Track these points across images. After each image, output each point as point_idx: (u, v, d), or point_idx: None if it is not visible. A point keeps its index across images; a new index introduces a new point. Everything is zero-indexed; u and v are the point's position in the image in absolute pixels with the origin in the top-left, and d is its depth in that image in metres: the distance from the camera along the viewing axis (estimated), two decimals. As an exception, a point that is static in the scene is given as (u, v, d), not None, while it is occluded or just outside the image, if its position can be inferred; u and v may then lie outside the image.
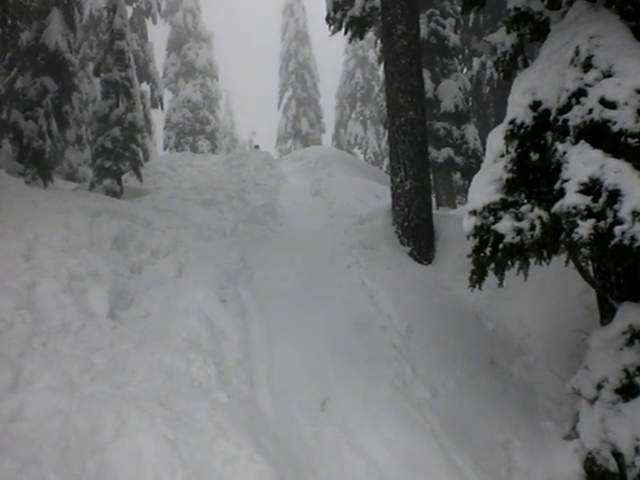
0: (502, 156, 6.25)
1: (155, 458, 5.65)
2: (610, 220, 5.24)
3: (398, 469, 6.18)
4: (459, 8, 18.36)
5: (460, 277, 9.29)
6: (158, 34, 37.45)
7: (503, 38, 7.35)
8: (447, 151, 19.86)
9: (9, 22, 18.63)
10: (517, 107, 6.23)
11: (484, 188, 6.23)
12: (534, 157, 6.07)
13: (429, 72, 19.46)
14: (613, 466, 5.81)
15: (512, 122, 6.21)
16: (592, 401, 6.14)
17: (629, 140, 5.37)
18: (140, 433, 5.87)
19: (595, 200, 5.34)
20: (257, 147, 29.21)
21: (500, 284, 6.27)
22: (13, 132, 19.80)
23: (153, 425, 5.99)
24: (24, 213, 9.80)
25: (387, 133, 13.85)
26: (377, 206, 14.13)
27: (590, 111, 5.63)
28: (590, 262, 6.74)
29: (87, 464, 5.50)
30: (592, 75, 5.79)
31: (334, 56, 48.73)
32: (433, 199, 16.16)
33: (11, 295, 7.69)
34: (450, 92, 20.00)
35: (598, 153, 5.46)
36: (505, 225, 5.91)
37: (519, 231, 5.85)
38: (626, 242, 5.12)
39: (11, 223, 9.35)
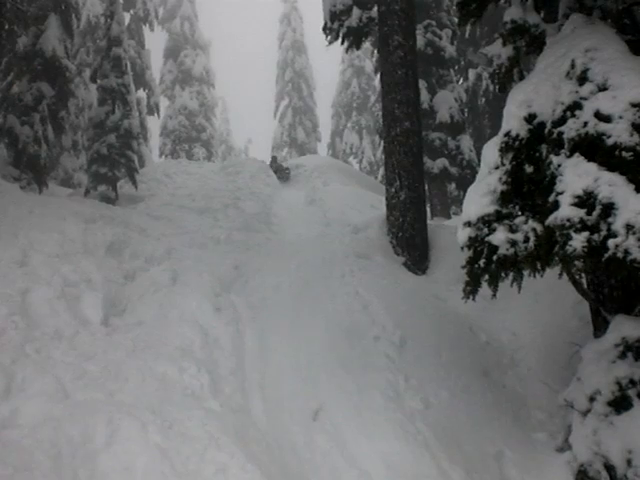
0: (497, 168, 6.27)
1: (147, 466, 5.62)
2: (604, 233, 5.26)
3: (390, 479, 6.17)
4: (456, 19, 18.42)
5: (454, 288, 9.31)
6: (155, 41, 37.58)
7: (499, 50, 7.38)
8: (442, 162, 19.92)
9: (6, 27, 18.62)
10: (512, 119, 6.26)
11: (479, 199, 6.25)
12: (529, 169, 6.09)
13: (425, 83, 19.52)
14: (605, 479, 5.82)
15: (507, 134, 6.24)
16: (584, 413, 6.14)
17: (623, 153, 5.40)
18: (132, 441, 5.84)
19: (589, 213, 5.36)
20: (275, 158, 27.58)
21: (494, 295, 6.27)
22: (9, 137, 19.74)
23: (145, 433, 5.97)
24: (19, 219, 9.79)
25: (382, 143, 13.89)
26: (372, 216, 14.15)
27: (585, 124, 5.65)
28: (584, 274, 6.75)
29: (79, 472, 5.48)
30: (587, 88, 5.81)
31: (331, 65, 48.86)
32: (428, 209, 16.19)
33: (4, 301, 7.66)
34: (446, 103, 20.06)
35: (592, 166, 5.49)
36: (499, 237, 5.93)
37: (513, 243, 5.87)
38: (619, 255, 5.14)
39: (5, 229, 9.34)
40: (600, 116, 5.61)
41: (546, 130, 6.02)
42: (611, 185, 5.32)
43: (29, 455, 5.50)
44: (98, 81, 21.00)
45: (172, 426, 6.22)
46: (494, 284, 6.21)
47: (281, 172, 25.24)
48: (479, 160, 7.58)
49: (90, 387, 6.73)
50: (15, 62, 20.72)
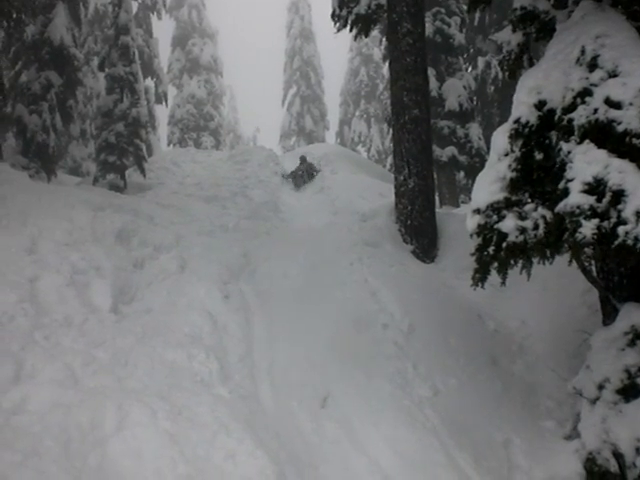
0: (506, 155, 6.23)
1: (156, 452, 5.66)
2: (614, 220, 5.24)
3: (399, 467, 6.18)
4: (465, 7, 18.34)
5: (463, 276, 9.26)
6: (163, 30, 37.54)
7: (509, 37, 7.34)
8: (451, 150, 19.83)
9: (14, 16, 18.59)
10: (522, 106, 6.22)
11: (488, 187, 6.23)
12: (538, 156, 6.06)
13: (434, 70, 19.43)
14: (614, 467, 5.81)
15: (517, 121, 6.20)
16: (593, 401, 6.13)
17: (634, 140, 5.37)
18: (141, 427, 5.88)
19: (599, 200, 5.34)
20: (304, 158, 22.75)
21: (503, 283, 6.24)
22: (17, 126, 19.84)
23: (154, 419, 6.00)
24: (28, 207, 9.80)
25: (391, 131, 13.83)
26: (380, 204, 14.11)
27: (595, 111, 5.63)
28: (593, 262, 6.73)
29: (88, 457, 5.52)
30: (597, 75, 5.78)
31: (339, 54, 48.64)
32: (436, 198, 16.14)
33: (14, 288, 7.70)
34: (455, 91, 19.97)
35: (602, 153, 5.46)
36: (508, 224, 5.91)
37: (522, 230, 5.84)
38: (629, 242, 5.12)
39: (15, 217, 9.37)
40: (610, 103, 5.58)
41: (556, 117, 5.99)
42: (621, 172, 5.29)
43: (39, 441, 5.54)
44: (106, 70, 21.00)
45: (181, 412, 6.26)
46: (503, 271, 6.18)
47: (297, 177, 21.93)
48: (488, 148, 7.55)
49: (99, 373, 6.76)
50: (23, 51, 20.79)
